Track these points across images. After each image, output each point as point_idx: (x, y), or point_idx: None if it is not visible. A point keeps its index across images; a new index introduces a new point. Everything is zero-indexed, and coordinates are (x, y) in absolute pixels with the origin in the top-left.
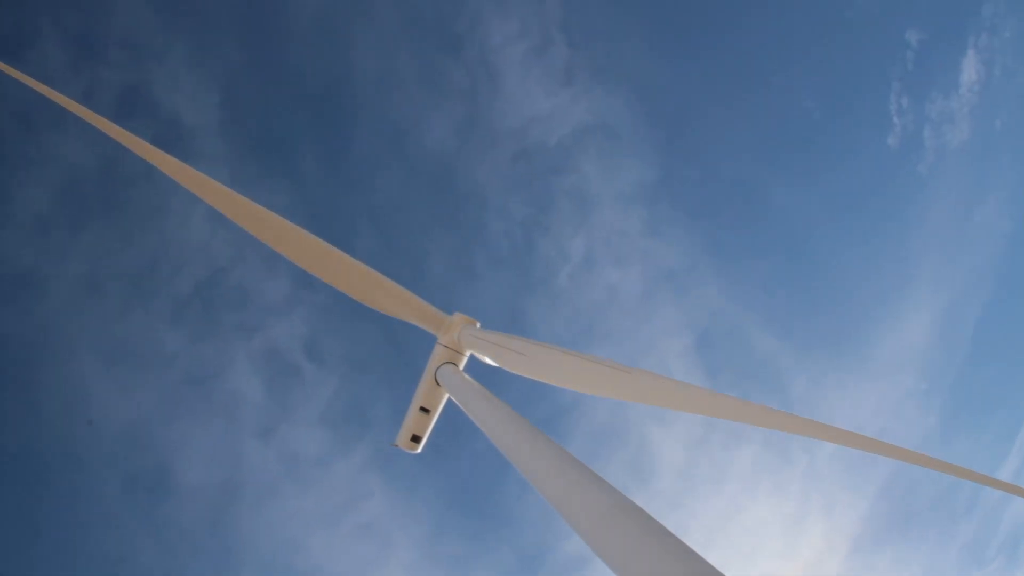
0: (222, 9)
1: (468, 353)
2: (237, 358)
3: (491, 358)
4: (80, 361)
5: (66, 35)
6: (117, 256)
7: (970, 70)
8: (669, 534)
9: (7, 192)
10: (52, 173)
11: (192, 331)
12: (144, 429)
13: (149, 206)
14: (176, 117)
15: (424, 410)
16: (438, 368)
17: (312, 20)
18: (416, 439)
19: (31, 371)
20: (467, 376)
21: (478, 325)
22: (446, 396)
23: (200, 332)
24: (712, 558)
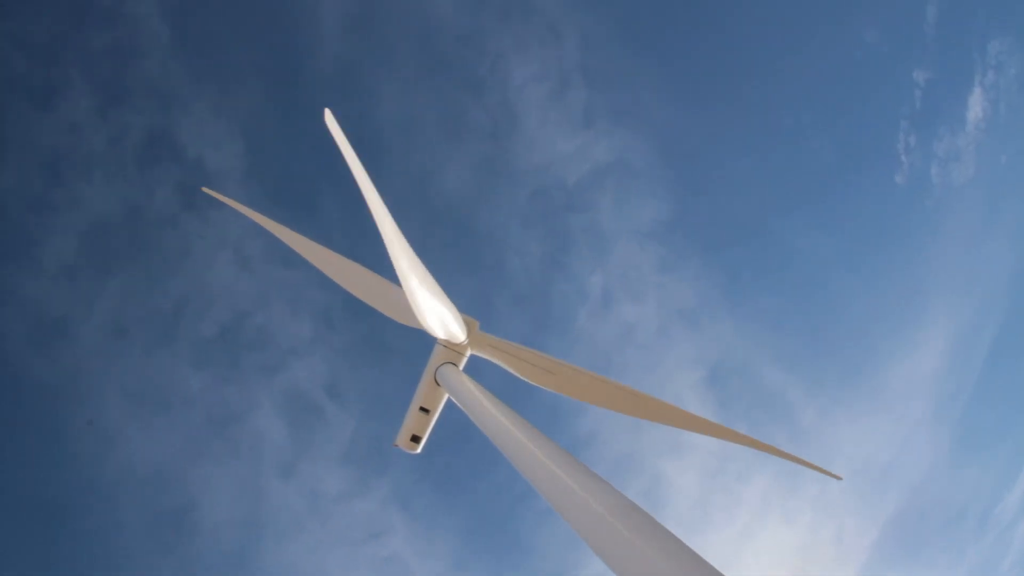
0: (245, 57)
1: (468, 353)
2: (260, 399)
3: (492, 358)
4: (108, 404)
5: (95, 83)
6: (143, 300)
7: (976, 108)
8: (669, 534)
9: (36, 240)
10: (78, 220)
11: (216, 373)
12: (170, 469)
13: (174, 250)
14: (200, 163)
15: (424, 410)
16: (438, 368)
17: (335, 64)
18: (416, 439)
19: (61, 415)
20: (467, 376)
21: (478, 326)
22: (446, 396)
23: (224, 373)
24: None
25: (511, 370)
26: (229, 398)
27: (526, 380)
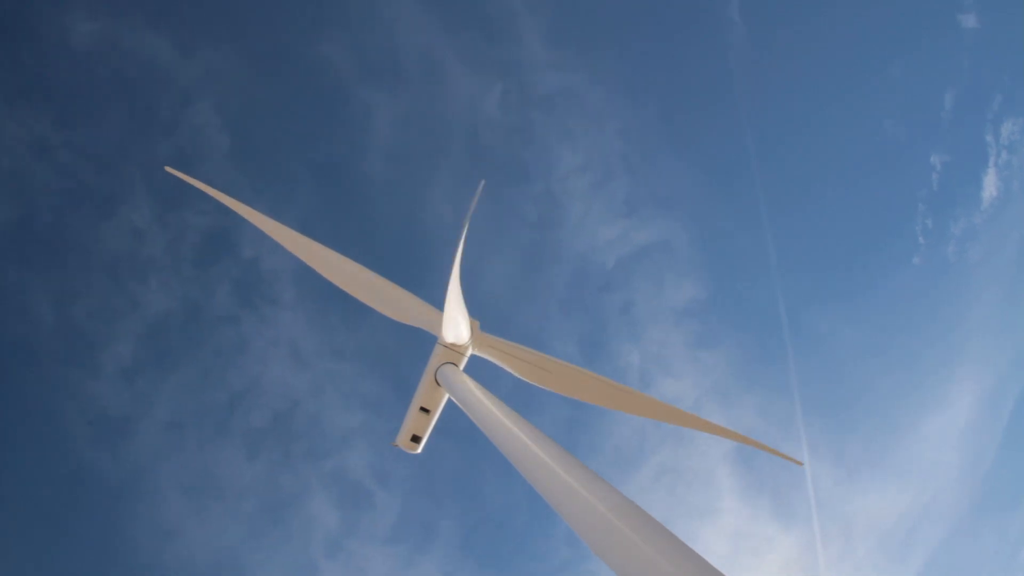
0: (299, 160)
1: (468, 353)
2: (311, 484)
3: (492, 359)
4: (166, 497)
5: (159, 195)
6: (199, 395)
7: (991, 187)
8: (669, 534)
9: (100, 343)
10: (138, 323)
11: (269, 461)
12: (227, 556)
13: (230, 346)
14: (256, 262)
15: (424, 410)
16: (438, 368)
17: (386, 161)
18: (416, 439)
19: (122, 509)
20: (467, 376)
21: (478, 325)
22: (446, 396)
23: (276, 462)
24: None
25: (511, 370)
26: (282, 484)
27: (527, 380)
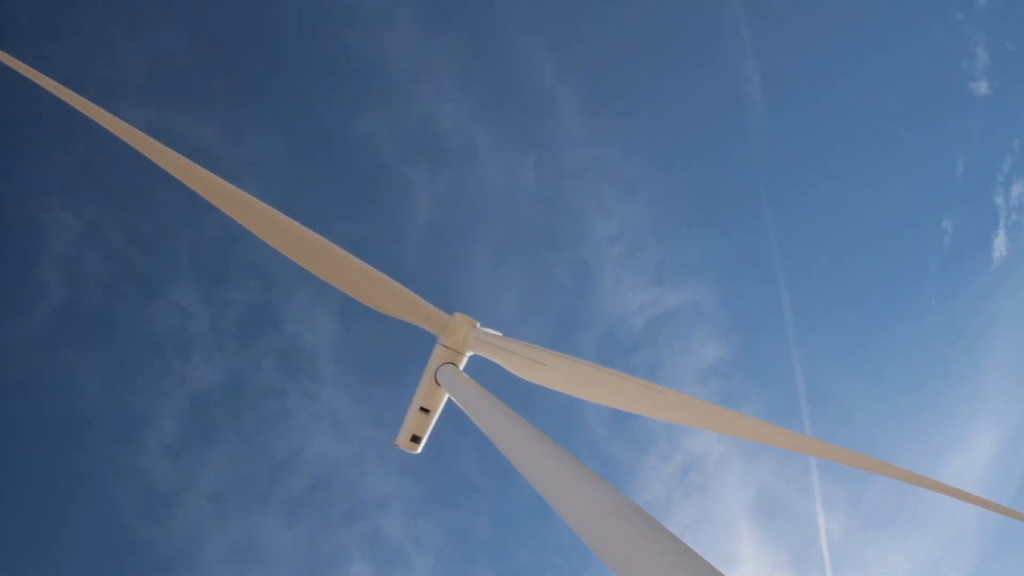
0: (338, 237)
1: (468, 353)
2: (348, 548)
3: (493, 358)
4: (212, 566)
5: (204, 273)
6: (241, 465)
7: (1001, 248)
8: (669, 534)
9: (147, 419)
10: (182, 398)
11: (308, 526)
12: None
13: (270, 415)
14: (298, 338)
15: (424, 410)
16: (438, 368)
17: (426, 236)
18: (416, 439)
19: None
20: (467, 376)
21: (478, 325)
22: (446, 396)
23: (314, 527)
24: None
25: (512, 370)
26: (320, 548)
27: (531, 381)
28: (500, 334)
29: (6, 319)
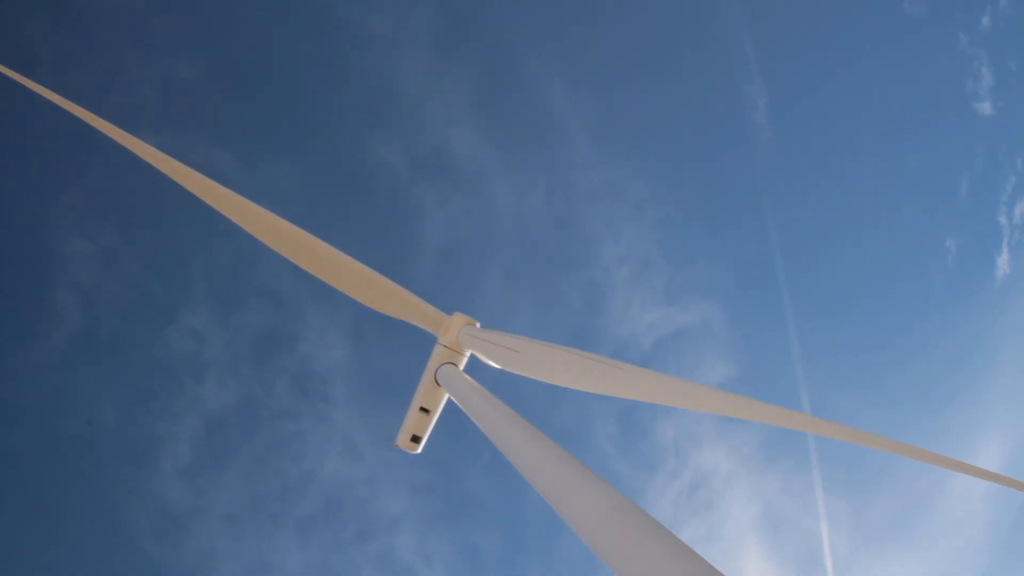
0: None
1: (468, 353)
2: (360, 566)
3: (491, 358)
4: None
5: (216, 298)
6: (254, 486)
7: (1005, 267)
8: (669, 534)
9: (161, 442)
10: (196, 420)
11: (320, 545)
12: None
13: (282, 436)
14: (310, 361)
15: (424, 410)
16: (438, 368)
17: (437, 261)
18: (416, 439)
19: None
20: (467, 376)
21: (478, 325)
22: (446, 396)
23: (326, 546)
24: None
25: (511, 369)
26: (332, 566)
27: (530, 377)
28: (498, 332)
29: (24, 344)
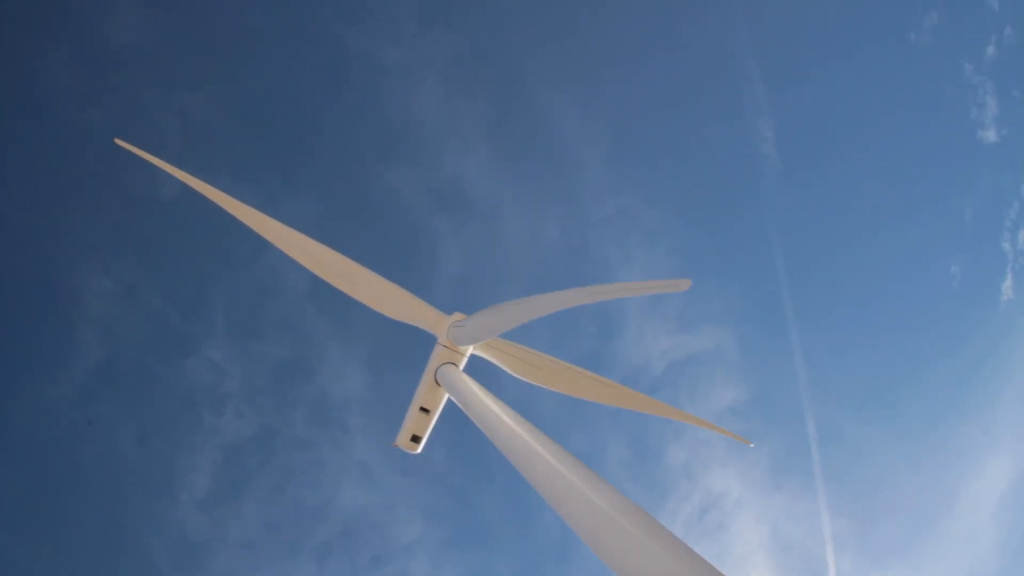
0: None
1: (468, 353)
2: None
3: (490, 357)
4: None
5: (234, 330)
6: (272, 514)
7: (1008, 292)
8: (669, 534)
9: (180, 472)
10: (214, 451)
11: (337, 571)
12: None
13: (301, 466)
14: (328, 392)
15: (424, 410)
16: (438, 368)
17: (454, 285)
18: (416, 439)
19: None
20: (467, 376)
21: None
22: (446, 396)
23: (342, 572)
24: None
25: (511, 371)
26: None
27: (528, 381)
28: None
29: (46, 377)
